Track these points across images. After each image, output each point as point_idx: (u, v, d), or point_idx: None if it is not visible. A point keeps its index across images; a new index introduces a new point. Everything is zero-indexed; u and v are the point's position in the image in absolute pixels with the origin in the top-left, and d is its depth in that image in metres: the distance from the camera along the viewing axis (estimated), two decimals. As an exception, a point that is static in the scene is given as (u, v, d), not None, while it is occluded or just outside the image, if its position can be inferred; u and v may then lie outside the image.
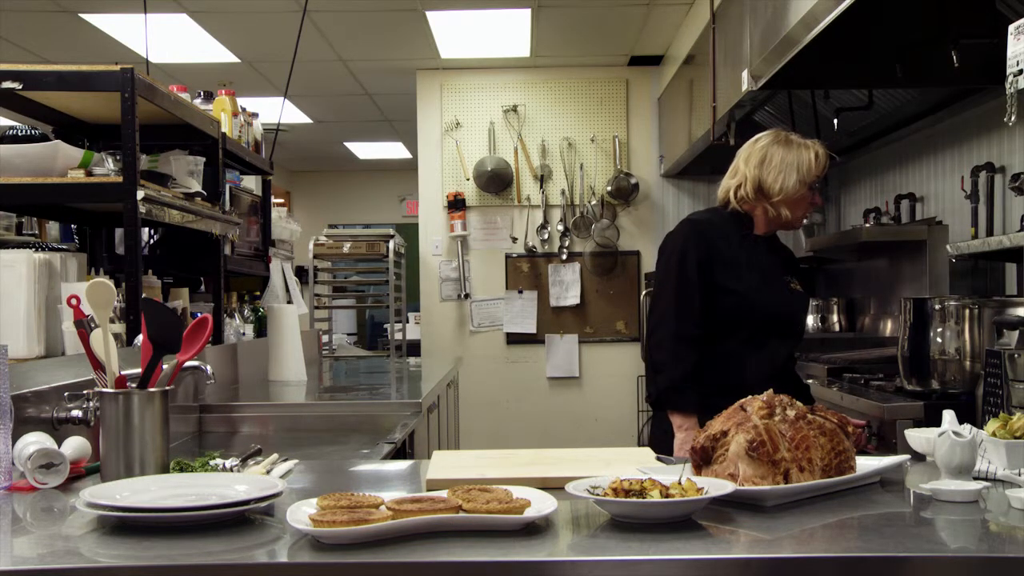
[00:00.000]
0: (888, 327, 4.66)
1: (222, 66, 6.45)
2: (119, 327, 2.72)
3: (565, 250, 6.72)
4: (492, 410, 6.80)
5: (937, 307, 3.00)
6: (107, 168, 2.87)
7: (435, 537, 1.33)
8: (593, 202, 6.72)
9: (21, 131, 3.65)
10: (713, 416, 1.92)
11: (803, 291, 2.74)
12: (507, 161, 6.74)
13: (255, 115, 4.49)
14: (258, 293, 4.67)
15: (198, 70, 6.44)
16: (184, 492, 1.56)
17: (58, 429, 2.06)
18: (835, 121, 4.23)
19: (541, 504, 1.42)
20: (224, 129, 3.87)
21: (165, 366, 1.82)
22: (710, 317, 2.58)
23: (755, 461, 1.55)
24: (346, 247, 6.29)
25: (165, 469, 1.77)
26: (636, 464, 1.74)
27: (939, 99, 3.94)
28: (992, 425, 1.75)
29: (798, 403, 1.68)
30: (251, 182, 4.81)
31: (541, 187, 6.72)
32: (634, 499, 1.40)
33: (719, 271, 2.59)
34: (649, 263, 6.61)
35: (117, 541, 1.37)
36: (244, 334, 4.14)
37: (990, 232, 3.66)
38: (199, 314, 2.25)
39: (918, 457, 1.91)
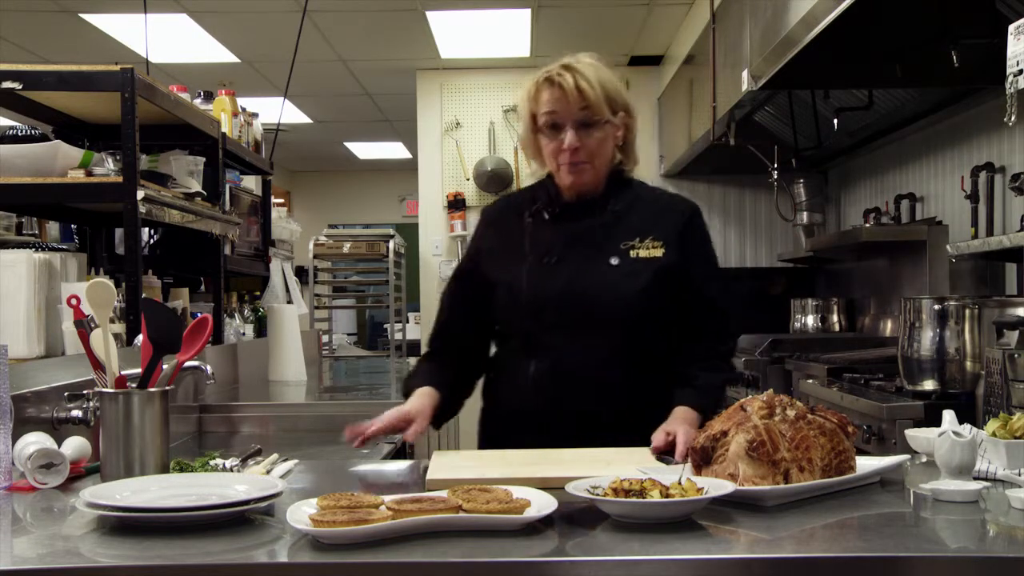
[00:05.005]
0: (888, 327, 4.66)
1: (222, 66, 6.45)
2: (119, 327, 2.72)
3: (565, 250, 6.70)
4: (492, 410, 6.78)
5: (937, 307, 2.99)
6: (107, 168, 2.87)
7: (435, 537, 1.33)
8: (593, 202, 6.70)
9: (21, 131, 3.66)
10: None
11: (664, 257, 2.04)
12: (507, 161, 6.73)
13: (255, 115, 4.49)
14: (258, 293, 4.67)
15: (198, 70, 6.44)
16: (184, 492, 1.55)
17: (58, 429, 2.06)
18: (835, 121, 4.22)
19: (541, 504, 1.41)
20: (224, 129, 3.87)
21: (165, 366, 1.81)
22: (497, 319, 2.16)
23: (755, 461, 1.55)
24: (346, 247, 6.30)
25: (165, 469, 1.77)
26: (636, 464, 1.73)
27: (939, 99, 3.93)
28: (992, 425, 1.75)
29: (798, 403, 1.68)
30: (251, 182, 4.81)
31: (541, 187, 6.71)
32: (634, 499, 1.40)
33: (487, 264, 2.14)
34: (649, 263, 6.59)
35: (117, 541, 1.37)
36: (244, 334, 4.15)
37: (990, 232, 3.66)
38: (199, 314, 2.25)
39: (918, 457, 1.91)
